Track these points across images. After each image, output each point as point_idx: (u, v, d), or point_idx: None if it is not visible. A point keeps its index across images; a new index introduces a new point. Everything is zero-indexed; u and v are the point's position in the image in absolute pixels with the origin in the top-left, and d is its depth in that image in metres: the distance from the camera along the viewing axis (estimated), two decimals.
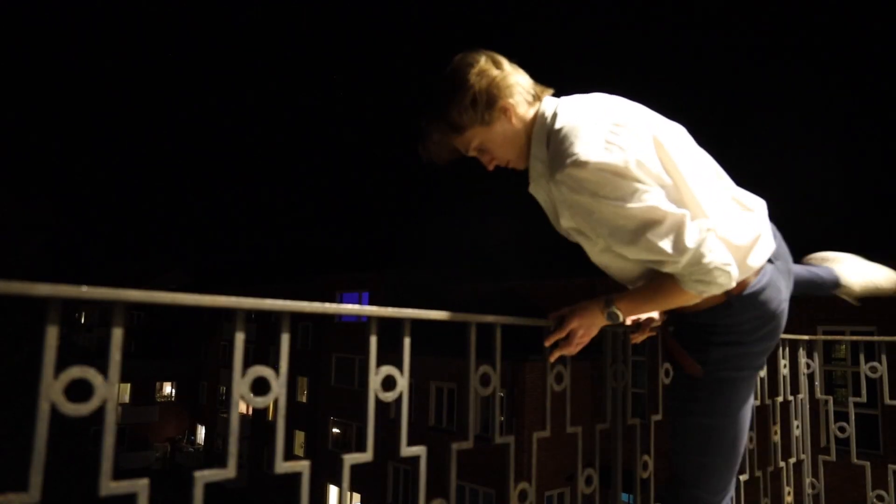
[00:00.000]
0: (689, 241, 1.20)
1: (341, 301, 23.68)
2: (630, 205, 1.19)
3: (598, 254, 1.38)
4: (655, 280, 1.34)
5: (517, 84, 1.31)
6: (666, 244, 1.21)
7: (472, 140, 1.33)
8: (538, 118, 1.33)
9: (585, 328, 1.37)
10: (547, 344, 1.36)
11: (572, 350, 1.38)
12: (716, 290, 1.27)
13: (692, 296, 1.30)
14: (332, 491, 22.89)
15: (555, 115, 1.30)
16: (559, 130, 1.25)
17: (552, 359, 1.37)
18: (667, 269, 1.26)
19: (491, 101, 1.28)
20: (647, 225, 1.20)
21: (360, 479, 19.85)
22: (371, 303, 21.89)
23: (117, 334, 0.73)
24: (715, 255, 1.22)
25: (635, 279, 1.41)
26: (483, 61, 1.28)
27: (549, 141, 1.28)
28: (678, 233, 1.20)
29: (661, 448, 1.57)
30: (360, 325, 22.57)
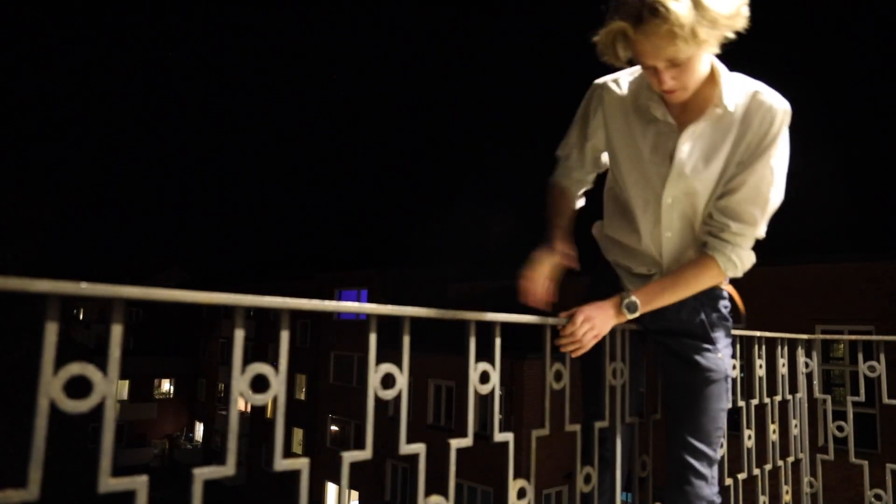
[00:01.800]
0: (765, 223, 1.43)
1: (340, 299, 23.67)
2: (784, 170, 1.40)
3: (677, 219, 1.47)
4: (684, 266, 1.47)
5: (745, 20, 1.23)
6: (760, 213, 1.41)
7: (684, 54, 1.20)
8: (724, 70, 1.37)
9: (597, 324, 1.40)
10: (558, 342, 1.39)
11: (580, 346, 1.39)
12: (741, 273, 1.46)
13: (718, 276, 1.45)
14: (331, 488, 22.91)
15: (743, 77, 1.40)
16: (770, 99, 1.36)
17: (563, 349, 1.42)
18: (736, 230, 1.40)
19: (725, 27, 1.20)
20: (777, 192, 1.40)
21: (359, 477, 19.86)
22: (370, 301, 21.87)
23: (116, 331, 0.73)
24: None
25: (673, 262, 1.53)
26: None
27: (755, 100, 1.37)
28: (769, 213, 1.42)
29: (660, 447, 1.57)
30: (358, 323, 22.57)
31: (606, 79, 1.52)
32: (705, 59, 1.29)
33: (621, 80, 1.51)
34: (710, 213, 1.45)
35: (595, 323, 1.40)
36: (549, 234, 1.59)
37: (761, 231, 1.43)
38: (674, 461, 1.52)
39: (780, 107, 1.36)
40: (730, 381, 1.56)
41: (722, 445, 1.81)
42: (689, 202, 1.46)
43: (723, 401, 1.54)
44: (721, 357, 1.54)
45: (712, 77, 1.36)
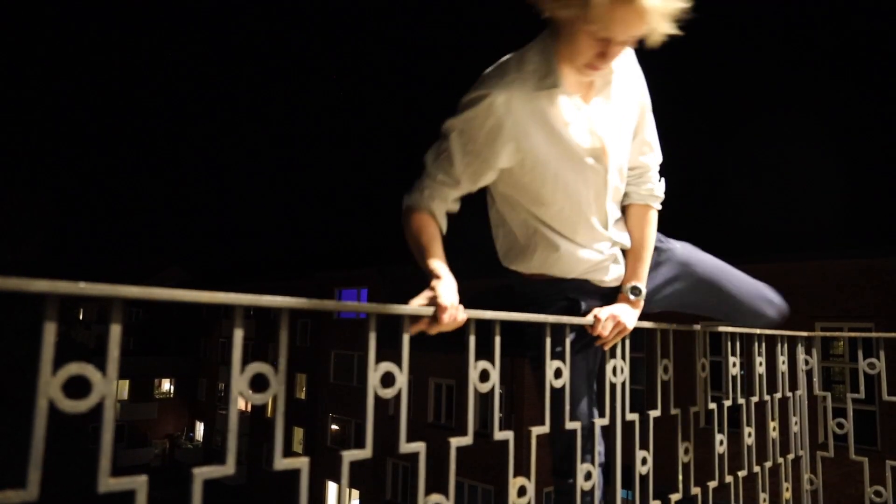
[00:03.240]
0: None
1: (340, 298, 23.68)
2: None
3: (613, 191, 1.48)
4: (637, 230, 1.54)
5: None
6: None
7: (648, 31, 1.21)
8: None
9: (621, 319, 1.47)
10: (598, 341, 1.49)
11: (608, 343, 1.49)
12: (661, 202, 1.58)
13: (656, 217, 1.57)
14: (331, 487, 22.92)
15: None
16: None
17: (606, 347, 1.50)
18: (652, 168, 1.55)
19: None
20: None
21: (359, 476, 19.88)
22: (370, 299, 21.88)
23: (115, 330, 0.73)
24: None
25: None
26: None
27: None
28: None
29: (660, 444, 1.58)
30: (358, 322, 22.56)
31: (503, 84, 1.30)
32: None
33: (517, 78, 1.31)
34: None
35: (619, 319, 1.47)
36: (431, 265, 1.30)
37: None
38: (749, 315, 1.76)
39: (636, 60, 1.47)
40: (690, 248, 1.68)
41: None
42: (619, 169, 1.47)
43: (711, 260, 1.66)
44: (673, 247, 1.64)
45: None
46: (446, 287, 1.20)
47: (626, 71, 1.44)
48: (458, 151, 1.35)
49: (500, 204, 1.50)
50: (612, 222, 1.50)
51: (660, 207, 1.58)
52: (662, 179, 1.59)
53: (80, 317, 39.41)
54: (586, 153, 1.38)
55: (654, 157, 1.55)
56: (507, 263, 1.59)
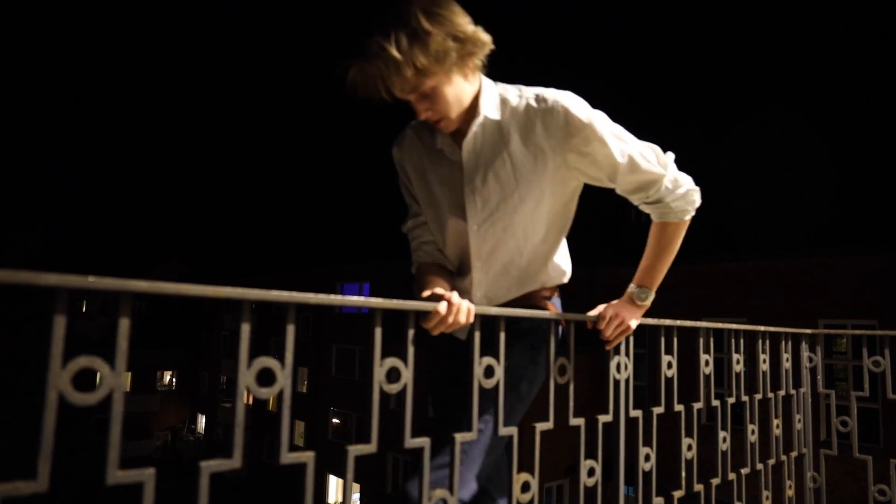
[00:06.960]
0: (666, 156, 1.43)
1: (342, 292, 23.72)
2: (629, 141, 1.39)
3: (508, 218, 1.41)
4: (657, 240, 1.50)
5: (486, 45, 1.29)
6: (652, 160, 1.40)
7: (426, 84, 1.25)
8: (489, 86, 1.37)
9: (625, 319, 1.46)
10: (602, 335, 1.48)
11: (612, 342, 1.48)
12: (697, 202, 1.48)
13: (683, 226, 1.48)
14: (332, 481, 23.01)
15: (518, 87, 1.39)
16: (547, 97, 1.35)
17: (609, 346, 1.48)
18: (655, 190, 1.41)
19: (466, 54, 1.26)
20: (627, 143, 1.38)
21: (360, 469, 19.94)
22: (372, 294, 21.90)
23: (124, 324, 0.73)
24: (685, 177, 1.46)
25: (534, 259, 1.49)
26: (460, 12, 1.25)
27: (530, 104, 1.35)
28: (655, 153, 1.41)
29: (663, 440, 1.57)
30: (360, 317, 22.60)
31: (401, 137, 1.52)
32: (462, 86, 1.30)
33: (413, 132, 1.49)
34: (628, 198, 1.50)
35: (623, 318, 1.46)
36: (432, 287, 1.36)
37: (664, 169, 1.42)
38: None
39: (560, 100, 1.34)
40: None
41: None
42: (503, 222, 1.41)
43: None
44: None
45: (477, 96, 1.36)
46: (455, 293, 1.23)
47: (524, 119, 1.36)
48: (402, 189, 1.57)
49: None
50: (478, 280, 1.47)
51: (677, 220, 1.47)
52: (684, 189, 1.44)
53: (84, 309, 39.52)
54: (450, 207, 1.43)
55: (641, 186, 1.43)
56: None
